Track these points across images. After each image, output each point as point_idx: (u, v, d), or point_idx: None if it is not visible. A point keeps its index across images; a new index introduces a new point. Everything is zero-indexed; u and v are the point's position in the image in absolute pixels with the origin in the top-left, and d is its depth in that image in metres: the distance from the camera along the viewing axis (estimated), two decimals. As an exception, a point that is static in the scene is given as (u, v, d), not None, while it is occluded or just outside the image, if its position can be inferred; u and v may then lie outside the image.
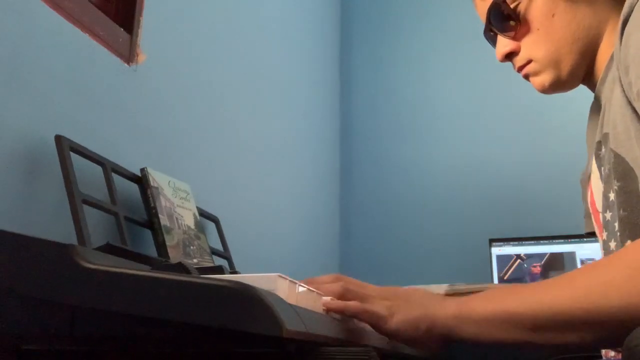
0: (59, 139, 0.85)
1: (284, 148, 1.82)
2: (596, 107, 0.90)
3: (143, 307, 0.45)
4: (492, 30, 0.88)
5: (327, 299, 0.66)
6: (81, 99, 0.97)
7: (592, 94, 0.93)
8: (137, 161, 1.05)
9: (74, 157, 0.87)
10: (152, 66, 1.16)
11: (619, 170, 0.74)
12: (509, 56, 0.87)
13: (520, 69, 0.87)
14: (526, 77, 0.88)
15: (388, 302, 0.70)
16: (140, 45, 1.12)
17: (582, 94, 0.98)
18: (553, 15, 0.82)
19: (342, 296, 0.68)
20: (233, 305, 0.43)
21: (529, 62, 0.85)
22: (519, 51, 0.86)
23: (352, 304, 0.66)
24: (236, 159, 1.50)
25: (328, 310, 0.64)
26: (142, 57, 1.12)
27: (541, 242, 1.85)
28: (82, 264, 0.47)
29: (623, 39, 0.70)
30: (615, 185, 0.75)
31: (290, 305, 0.47)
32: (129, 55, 1.09)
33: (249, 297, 0.43)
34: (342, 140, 2.38)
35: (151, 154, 1.13)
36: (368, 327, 0.73)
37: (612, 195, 0.77)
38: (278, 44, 1.85)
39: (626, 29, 0.70)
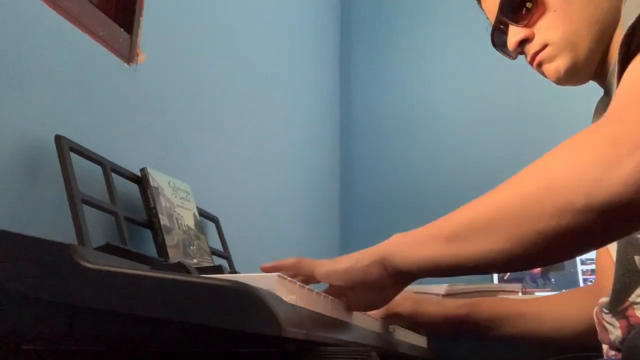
0: (58, 139, 0.85)
1: (284, 148, 1.82)
2: (604, 102, 0.89)
3: (143, 307, 0.45)
4: (502, 23, 0.86)
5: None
6: (81, 99, 0.97)
7: (594, 96, 0.92)
8: (137, 161, 1.05)
9: (74, 157, 0.87)
10: (152, 66, 1.16)
11: None
12: (522, 44, 0.85)
13: (534, 56, 0.85)
14: (539, 65, 0.86)
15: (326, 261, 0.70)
16: (140, 45, 1.12)
17: (584, 94, 0.98)
18: None
19: (295, 267, 0.70)
20: (233, 305, 0.43)
21: (544, 47, 0.83)
22: (533, 38, 0.84)
23: (287, 260, 0.68)
24: (236, 159, 1.50)
25: (263, 270, 0.66)
26: (142, 57, 1.12)
27: (541, 242, 1.84)
28: (81, 264, 0.47)
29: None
30: None
31: (290, 305, 0.48)
32: (129, 55, 1.09)
33: (248, 297, 0.43)
34: (342, 140, 2.38)
35: (151, 154, 1.13)
36: (368, 327, 0.73)
37: None
38: (278, 44, 1.85)
39: None
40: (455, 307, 0.99)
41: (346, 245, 2.23)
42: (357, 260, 0.66)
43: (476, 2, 0.95)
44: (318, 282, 0.69)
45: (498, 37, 0.90)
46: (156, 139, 1.17)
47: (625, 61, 0.58)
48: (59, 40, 0.93)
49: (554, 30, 0.82)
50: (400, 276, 0.66)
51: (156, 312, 0.45)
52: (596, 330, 0.87)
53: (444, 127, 2.25)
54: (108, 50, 1.04)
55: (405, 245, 0.64)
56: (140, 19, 1.12)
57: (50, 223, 0.86)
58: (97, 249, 0.73)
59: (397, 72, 2.38)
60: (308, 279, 0.70)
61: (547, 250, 0.53)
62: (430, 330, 1.04)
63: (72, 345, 0.55)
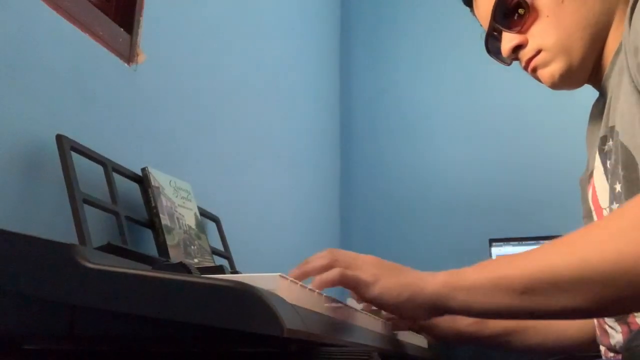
0: (59, 139, 0.85)
1: (284, 148, 1.82)
2: (599, 104, 0.89)
3: (143, 306, 0.45)
4: (495, 30, 0.87)
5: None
6: (81, 98, 0.97)
7: (591, 97, 0.92)
8: (138, 161, 1.05)
9: (75, 156, 0.87)
10: (152, 66, 1.16)
11: (624, 160, 0.73)
12: (516, 50, 0.85)
13: (528, 62, 0.85)
14: (534, 71, 0.86)
15: (375, 270, 0.68)
16: (140, 45, 1.12)
17: (582, 95, 0.98)
18: (563, 2, 0.80)
19: (329, 267, 0.67)
20: (234, 305, 0.43)
21: (538, 52, 0.84)
22: (526, 44, 0.84)
23: (333, 271, 0.64)
24: (237, 158, 1.50)
25: (315, 288, 0.62)
26: (142, 57, 1.12)
27: (541, 242, 1.83)
28: (82, 264, 0.47)
29: (632, 22, 0.69)
30: (622, 173, 0.74)
31: (290, 305, 0.47)
32: (129, 55, 1.09)
33: (249, 297, 0.43)
34: (342, 140, 2.38)
35: (152, 154, 1.13)
36: (369, 327, 0.73)
37: (618, 186, 0.76)
38: (278, 44, 1.85)
39: (634, 12, 0.69)
40: (466, 324, 1.02)
41: (346, 245, 2.23)
42: (408, 297, 0.66)
43: (469, 9, 0.95)
44: (364, 299, 0.68)
45: (492, 44, 0.90)
46: (157, 139, 1.17)
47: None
48: (59, 40, 0.93)
49: (547, 35, 0.82)
50: (446, 313, 0.67)
51: (157, 312, 0.45)
52: (597, 303, 0.88)
53: (443, 129, 2.25)
54: (108, 50, 1.04)
55: (465, 291, 0.64)
56: (140, 19, 1.12)
57: (50, 223, 0.86)
58: (98, 248, 0.73)
59: (397, 74, 2.38)
60: (358, 293, 0.68)
61: (623, 309, 0.58)
62: (439, 340, 1.08)
63: (72, 345, 0.55)
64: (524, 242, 1.87)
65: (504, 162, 2.12)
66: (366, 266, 0.69)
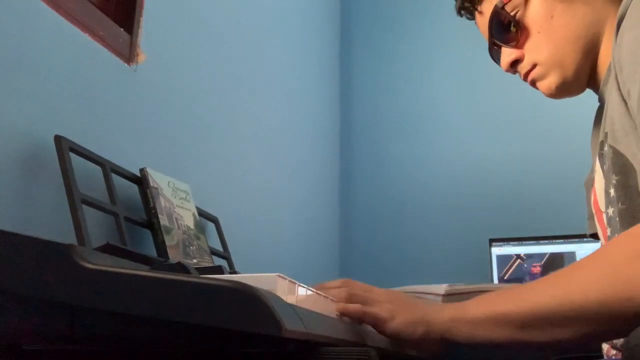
0: (58, 139, 0.85)
1: (284, 148, 1.82)
2: (600, 110, 0.91)
3: (143, 307, 0.45)
4: (495, 44, 0.90)
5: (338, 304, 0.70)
6: (81, 98, 0.97)
7: (593, 97, 0.93)
8: (137, 161, 1.05)
9: (74, 157, 0.87)
10: (152, 66, 1.16)
11: (618, 165, 0.75)
12: (514, 64, 0.89)
13: (526, 75, 0.88)
14: (533, 83, 0.89)
15: (390, 305, 0.72)
16: (140, 45, 1.12)
17: (582, 95, 0.98)
18: (552, 17, 0.83)
19: (348, 300, 0.72)
20: (232, 305, 0.43)
21: (534, 66, 0.87)
22: (523, 58, 0.87)
23: (355, 307, 0.70)
24: (236, 159, 1.50)
25: (338, 313, 0.68)
26: (142, 57, 1.12)
27: (541, 242, 1.85)
28: (81, 264, 0.47)
29: (618, 38, 0.71)
30: (614, 179, 0.76)
31: (289, 305, 0.47)
32: (129, 55, 1.09)
33: (248, 296, 0.43)
34: (342, 140, 2.38)
35: (151, 154, 1.13)
36: (368, 327, 0.73)
37: (612, 191, 0.78)
38: (278, 44, 1.85)
39: (621, 27, 0.71)
40: None
41: (345, 245, 2.23)
42: (422, 333, 0.71)
43: (473, 20, 0.98)
44: (383, 334, 0.73)
45: (495, 55, 0.94)
46: (156, 139, 1.17)
47: None
48: (59, 40, 0.93)
49: (540, 50, 0.85)
50: (454, 344, 0.71)
51: (156, 313, 0.45)
52: (591, 335, 0.90)
53: (443, 129, 2.25)
54: (108, 50, 1.04)
55: (471, 325, 0.69)
56: (140, 19, 1.12)
57: (50, 223, 0.86)
58: (96, 249, 0.73)
59: (397, 74, 2.38)
60: (376, 328, 0.72)
61: (612, 338, 0.63)
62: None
63: (72, 345, 0.55)
64: (524, 242, 1.87)
65: (504, 162, 2.12)
66: (381, 301, 0.73)
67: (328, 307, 0.66)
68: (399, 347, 0.82)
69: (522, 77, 0.90)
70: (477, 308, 0.69)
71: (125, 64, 1.09)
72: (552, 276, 0.66)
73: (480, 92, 2.22)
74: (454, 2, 0.97)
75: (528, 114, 2.11)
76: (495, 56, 0.93)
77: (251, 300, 0.43)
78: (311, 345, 0.50)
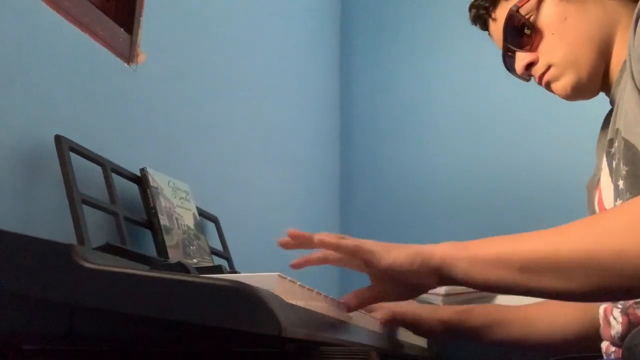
0: (58, 139, 0.85)
1: (284, 148, 1.82)
2: (610, 113, 0.92)
3: (142, 306, 0.45)
4: (509, 50, 0.92)
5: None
6: (81, 98, 0.97)
7: (591, 100, 0.95)
8: (137, 161, 1.05)
9: (74, 157, 0.87)
10: (152, 66, 1.16)
11: (628, 156, 0.76)
12: (529, 67, 0.90)
13: (541, 77, 0.90)
14: (547, 85, 0.90)
15: (383, 244, 0.70)
16: (140, 45, 1.12)
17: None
18: (565, 19, 0.85)
19: (339, 240, 0.70)
20: (232, 304, 0.43)
21: (549, 68, 0.88)
22: (537, 61, 0.89)
23: (349, 239, 0.68)
24: (236, 159, 1.50)
25: (322, 244, 0.67)
26: (142, 57, 1.12)
27: (541, 242, 1.85)
28: (81, 264, 0.47)
29: (636, 30, 0.72)
30: (624, 170, 0.76)
31: (289, 304, 0.47)
32: (129, 55, 1.09)
33: (248, 296, 0.43)
34: (342, 140, 2.38)
35: (151, 154, 1.13)
36: (368, 327, 0.73)
37: (621, 183, 0.78)
38: (278, 44, 1.85)
39: (639, 20, 0.72)
40: (450, 313, 1.02)
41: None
42: (421, 263, 0.68)
43: (486, 31, 1.00)
44: (378, 269, 0.70)
45: (509, 63, 0.95)
46: (156, 139, 1.17)
47: None
48: (59, 40, 0.93)
49: (555, 51, 0.87)
50: (450, 282, 0.69)
51: (156, 312, 0.45)
52: (584, 337, 0.94)
53: (444, 128, 2.25)
54: (108, 50, 1.04)
55: (469, 261, 0.67)
56: (140, 19, 1.12)
57: (50, 223, 0.86)
58: (97, 249, 0.73)
59: (397, 74, 2.38)
60: (371, 263, 0.69)
61: (614, 295, 0.64)
62: (427, 335, 1.07)
63: (72, 345, 0.55)
64: (523, 242, 1.87)
65: (504, 162, 2.12)
66: (374, 242, 0.71)
67: (328, 307, 0.66)
68: (398, 346, 0.82)
69: (537, 80, 0.91)
70: (476, 246, 0.68)
71: (125, 64, 1.09)
72: (563, 226, 0.65)
73: (481, 92, 2.22)
74: (468, 13, 1.00)
75: (528, 114, 2.11)
76: (509, 63, 0.95)
77: (251, 300, 0.43)
78: (311, 345, 0.50)
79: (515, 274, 0.63)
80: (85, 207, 0.84)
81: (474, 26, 1.01)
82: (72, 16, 0.95)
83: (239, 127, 1.54)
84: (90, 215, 0.86)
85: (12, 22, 0.85)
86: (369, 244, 0.69)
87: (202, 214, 1.20)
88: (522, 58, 0.90)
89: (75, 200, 0.82)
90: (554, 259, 0.62)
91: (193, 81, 1.33)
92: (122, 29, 1.08)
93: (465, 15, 1.03)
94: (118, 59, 1.07)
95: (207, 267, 0.88)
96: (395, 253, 0.68)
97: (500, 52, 0.95)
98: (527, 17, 0.87)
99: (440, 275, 0.68)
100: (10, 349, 0.56)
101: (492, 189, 2.11)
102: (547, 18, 0.87)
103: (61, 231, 0.85)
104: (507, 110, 2.16)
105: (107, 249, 0.72)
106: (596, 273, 0.59)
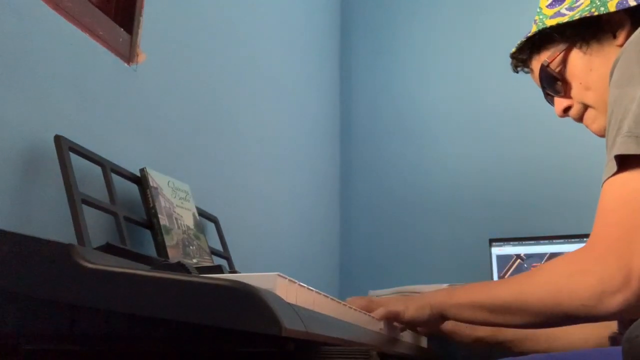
0: (58, 139, 0.85)
1: (283, 148, 1.82)
2: None
3: (142, 306, 0.45)
4: (548, 94, 1.02)
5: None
6: (81, 99, 0.97)
7: None
8: (137, 161, 1.05)
9: (74, 157, 0.87)
10: (152, 66, 1.16)
11: None
12: (566, 111, 1.00)
13: (579, 121, 1.00)
14: (586, 125, 0.99)
15: (400, 301, 0.94)
16: (140, 45, 1.12)
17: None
18: (591, 70, 0.93)
19: (368, 308, 0.91)
20: (232, 304, 0.43)
21: (585, 110, 0.97)
22: (573, 105, 0.99)
23: (379, 310, 0.91)
24: (236, 159, 1.50)
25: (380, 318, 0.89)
26: (142, 57, 1.12)
27: (541, 242, 1.85)
28: (81, 264, 0.47)
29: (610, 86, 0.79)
30: None
31: (289, 304, 0.47)
32: (129, 55, 1.09)
33: (248, 296, 0.43)
34: (342, 140, 2.38)
35: (151, 154, 1.13)
36: (367, 326, 0.73)
37: None
38: (278, 43, 1.85)
39: (610, 82, 0.79)
40: (483, 332, 1.16)
41: (346, 245, 2.23)
42: (420, 313, 0.92)
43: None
44: (403, 323, 0.95)
45: (549, 100, 1.04)
46: (156, 139, 1.17)
47: None
48: (59, 40, 0.93)
49: (585, 97, 0.96)
50: (448, 319, 0.94)
51: (156, 312, 0.45)
52: (536, 324, 1.01)
53: (443, 128, 2.25)
54: (108, 50, 1.04)
55: (457, 307, 0.89)
56: (140, 19, 1.12)
57: (50, 223, 0.86)
58: (97, 249, 0.73)
59: (397, 73, 2.38)
60: (397, 320, 0.94)
61: (564, 324, 0.82)
62: (461, 346, 1.22)
63: (72, 345, 0.55)
64: (524, 242, 1.87)
65: (504, 162, 2.12)
66: (395, 301, 0.95)
67: (328, 307, 0.66)
68: (398, 346, 0.82)
69: (576, 121, 1.01)
70: (459, 295, 0.89)
71: (125, 64, 1.09)
72: (517, 276, 0.85)
73: (481, 92, 2.22)
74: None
75: (528, 114, 2.10)
76: (550, 101, 1.05)
77: (251, 300, 0.43)
78: (311, 344, 0.50)
79: (487, 314, 0.84)
80: (85, 207, 0.84)
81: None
82: (72, 16, 0.95)
83: (239, 127, 1.54)
84: (90, 215, 0.86)
85: (12, 22, 0.85)
86: (392, 306, 0.93)
87: (202, 214, 1.20)
88: (559, 103, 1.00)
89: (75, 200, 0.82)
90: (505, 305, 0.82)
91: (193, 81, 1.33)
92: (122, 29, 1.08)
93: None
94: (118, 59, 1.07)
95: (207, 267, 0.88)
96: (412, 308, 0.92)
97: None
98: (557, 70, 0.96)
99: (443, 318, 0.92)
100: (10, 349, 0.56)
101: (492, 187, 2.11)
102: (574, 70, 0.95)
103: (61, 231, 0.85)
104: (506, 110, 2.16)
105: (107, 249, 0.72)
106: (532, 312, 0.79)
